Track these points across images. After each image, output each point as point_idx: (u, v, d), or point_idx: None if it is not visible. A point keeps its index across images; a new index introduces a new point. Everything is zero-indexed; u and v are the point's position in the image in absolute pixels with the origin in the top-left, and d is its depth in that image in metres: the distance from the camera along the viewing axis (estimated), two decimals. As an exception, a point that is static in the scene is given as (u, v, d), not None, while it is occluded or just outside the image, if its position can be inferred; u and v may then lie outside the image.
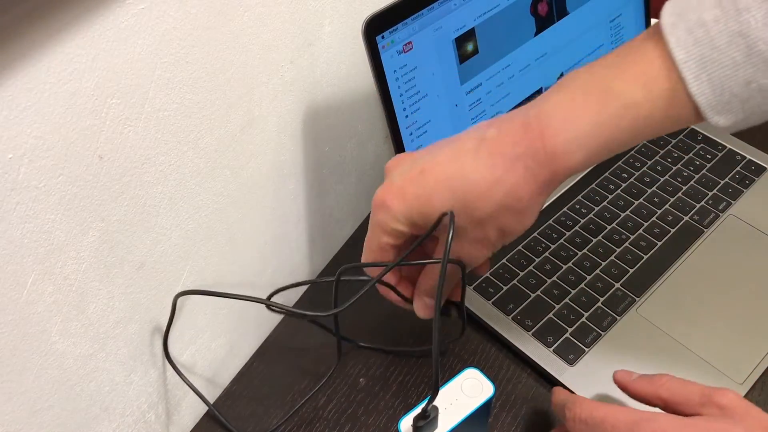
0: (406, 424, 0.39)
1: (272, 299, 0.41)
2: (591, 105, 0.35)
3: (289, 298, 0.59)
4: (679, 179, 0.64)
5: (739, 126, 0.34)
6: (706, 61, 0.32)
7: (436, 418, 0.39)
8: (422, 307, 0.43)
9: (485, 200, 0.36)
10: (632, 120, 0.35)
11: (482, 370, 0.41)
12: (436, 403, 0.38)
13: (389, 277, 0.43)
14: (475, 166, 0.36)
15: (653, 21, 0.65)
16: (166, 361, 0.47)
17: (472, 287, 0.56)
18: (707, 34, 0.32)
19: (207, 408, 0.53)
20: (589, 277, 0.57)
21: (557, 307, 0.55)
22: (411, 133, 0.50)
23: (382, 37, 0.46)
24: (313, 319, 0.44)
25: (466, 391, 0.40)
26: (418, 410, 0.38)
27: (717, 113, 0.33)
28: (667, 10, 0.34)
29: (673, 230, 0.60)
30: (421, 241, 0.38)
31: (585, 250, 0.59)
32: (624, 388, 0.43)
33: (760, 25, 0.30)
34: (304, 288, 0.60)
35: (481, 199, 0.36)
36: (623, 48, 0.36)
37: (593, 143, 0.35)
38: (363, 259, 0.43)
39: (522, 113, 0.37)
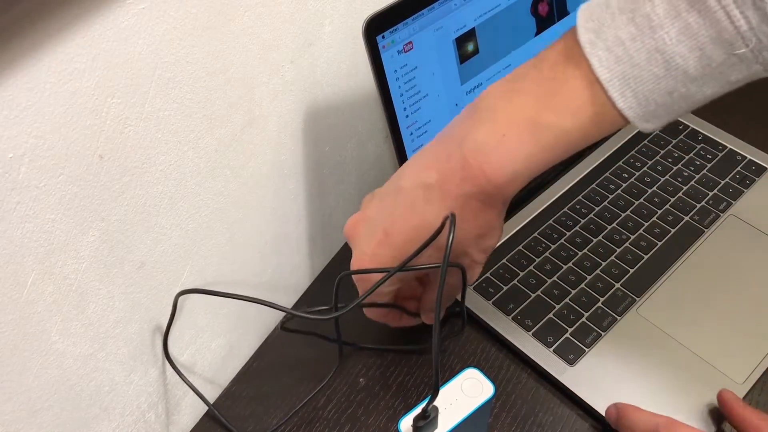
0: (406, 424, 0.39)
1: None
2: (524, 139, 0.35)
3: (289, 300, 0.59)
4: (679, 179, 0.64)
5: (666, 124, 0.35)
6: (628, 78, 0.33)
7: (436, 418, 0.39)
8: (430, 318, 0.47)
9: (458, 238, 0.38)
10: (566, 144, 0.36)
11: (482, 371, 0.41)
12: (436, 403, 0.38)
13: (391, 299, 0.46)
14: (434, 212, 0.38)
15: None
16: (166, 361, 0.47)
17: (472, 287, 0.56)
18: (626, 52, 0.32)
19: (207, 408, 0.53)
20: (589, 277, 0.57)
21: (557, 307, 0.55)
22: (411, 133, 0.50)
23: (383, 37, 0.46)
24: (313, 328, 0.45)
25: (466, 391, 0.40)
26: (418, 410, 0.38)
27: (645, 121, 0.34)
28: (581, 24, 0.34)
29: (673, 230, 0.60)
30: (421, 249, 0.39)
31: (585, 250, 0.59)
32: (729, 410, 0.46)
33: (674, 41, 0.31)
34: (303, 289, 0.60)
35: (455, 238, 0.38)
36: (540, 70, 0.36)
37: (534, 168, 0.37)
38: (366, 313, 0.47)
39: (453, 148, 0.37)
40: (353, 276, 0.43)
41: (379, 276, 0.40)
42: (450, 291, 0.46)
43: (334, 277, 0.61)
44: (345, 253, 0.63)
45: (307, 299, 0.60)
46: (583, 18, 0.34)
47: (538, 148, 0.36)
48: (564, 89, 0.34)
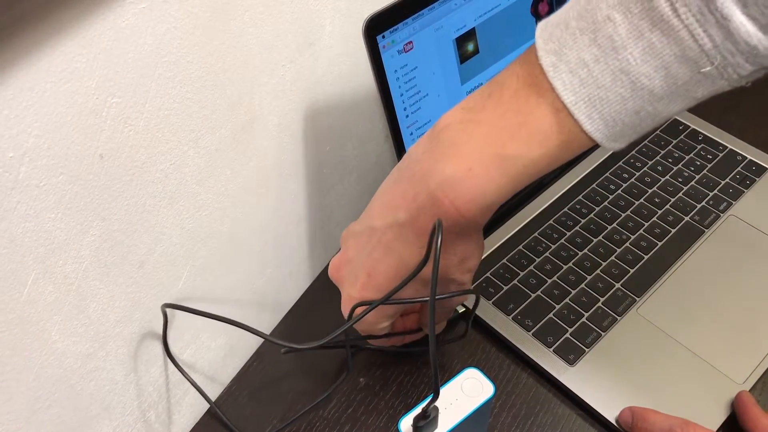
0: (406, 424, 0.39)
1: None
2: (491, 172, 0.35)
3: (289, 298, 0.59)
4: (679, 179, 0.64)
5: (632, 141, 0.35)
6: (594, 100, 0.32)
7: (436, 418, 0.39)
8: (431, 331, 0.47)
9: (441, 268, 0.39)
10: (536, 171, 0.35)
11: (482, 370, 0.41)
12: (436, 402, 0.38)
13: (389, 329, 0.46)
14: (410, 251, 0.38)
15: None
16: (167, 360, 0.47)
17: (472, 287, 0.56)
18: (591, 74, 0.32)
19: (207, 408, 0.53)
20: (589, 277, 0.57)
21: (557, 307, 0.55)
22: (411, 133, 0.50)
23: (383, 37, 0.46)
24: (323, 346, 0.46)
25: (466, 391, 0.40)
26: (418, 410, 0.38)
27: (613, 141, 0.34)
28: (541, 46, 0.33)
29: (673, 230, 0.60)
30: (401, 287, 0.39)
31: (585, 250, 0.59)
32: (744, 410, 0.47)
33: (639, 62, 0.31)
34: (302, 290, 0.60)
35: (440, 271, 0.39)
36: (499, 99, 0.35)
37: (506, 195, 0.36)
38: (371, 342, 0.49)
39: (420, 185, 0.36)
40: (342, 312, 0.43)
41: (374, 316, 0.41)
42: (448, 304, 0.46)
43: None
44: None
45: (307, 299, 0.60)
46: (542, 39, 0.33)
47: (506, 179, 0.35)
48: (529, 119, 0.34)
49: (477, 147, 0.35)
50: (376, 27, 0.45)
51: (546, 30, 0.33)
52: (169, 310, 0.44)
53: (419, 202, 0.36)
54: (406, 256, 0.38)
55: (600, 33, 0.31)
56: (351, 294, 0.41)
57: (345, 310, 0.42)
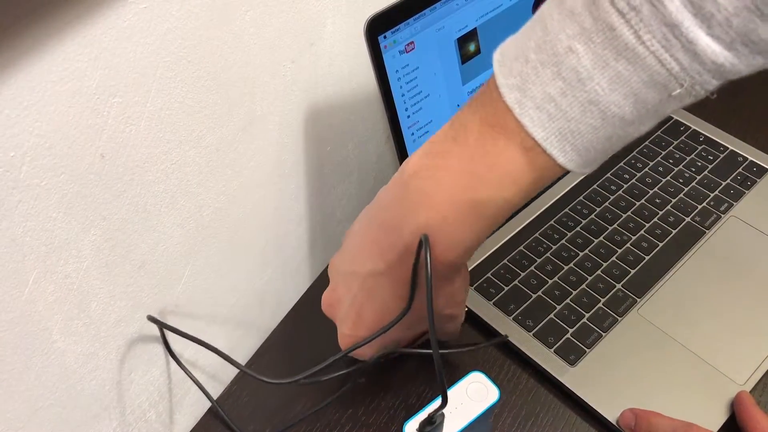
0: (411, 428, 0.39)
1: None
2: (466, 219, 0.34)
3: (290, 298, 0.59)
4: (680, 180, 0.64)
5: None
6: (565, 133, 0.31)
7: (441, 423, 0.39)
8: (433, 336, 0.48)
9: (422, 312, 0.38)
10: (511, 209, 0.35)
11: (487, 374, 0.41)
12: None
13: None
14: (392, 298, 0.38)
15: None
16: (168, 360, 0.47)
17: (473, 287, 0.56)
18: (558, 108, 0.31)
19: (207, 408, 0.53)
20: (590, 278, 0.57)
21: (558, 307, 0.55)
22: (413, 133, 0.50)
23: (384, 37, 0.46)
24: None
25: (472, 395, 0.40)
26: (423, 414, 0.38)
27: (584, 167, 0.33)
28: (503, 82, 0.32)
29: (674, 231, 0.60)
30: (383, 332, 0.40)
31: (586, 251, 0.59)
32: (743, 409, 0.47)
33: (607, 91, 0.30)
34: (302, 290, 0.60)
35: (419, 311, 0.38)
36: (464, 143, 0.34)
37: (483, 237, 0.36)
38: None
39: (394, 237, 0.36)
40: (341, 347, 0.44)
41: (372, 350, 0.42)
42: (446, 330, 0.46)
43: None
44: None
45: (307, 299, 0.60)
46: (501, 75, 0.32)
47: (481, 223, 0.35)
48: (499, 161, 0.33)
49: (448, 195, 0.34)
50: (377, 27, 0.45)
51: (504, 65, 0.32)
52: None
53: (395, 254, 0.36)
54: (389, 302, 0.38)
55: (563, 65, 0.30)
56: (344, 331, 0.42)
57: (342, 346, 0.43)
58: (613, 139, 0.32)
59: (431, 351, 0.36)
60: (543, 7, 0.32)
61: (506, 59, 0.32)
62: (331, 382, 0.51)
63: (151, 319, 0.43)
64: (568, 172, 0.34)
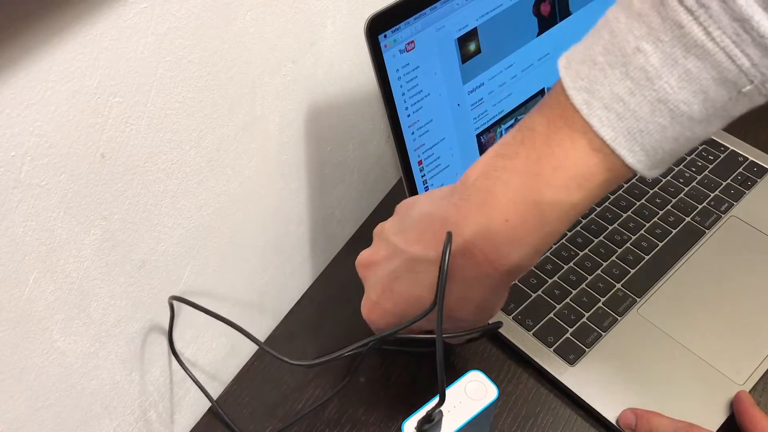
0: (409, 426, 0.39)
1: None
2: (529, 223, 0.34)
3: (290, 297, 0.59)
4: (681, 180, 0.64)
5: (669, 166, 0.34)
6: (634, 133, 0.31)
7: (440, 421, 0.39)
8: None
9: (458, 315, 0.39)
10: (575, 215, 0.34)
11: (486, 373, 0.41)
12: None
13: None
14: (429, 287, 0.37)
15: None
16: (168, 360, 0.47)
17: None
18: (627, 108, 0.31)
19: (207, 407, 0.53)
20: (590, 278, 0.57)
21: (558, 307, 0.55)
22: (413, 133, 0.50)
23: (385, 36, 0.46)
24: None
25: (470, 393, 0.40)
26: (421, 413, 0.38)
27: (652, 169, 0.33)
28: (570, 85, 0.32)
29: (674, 231, 0.60)
30: (411, 324, 0.40)
31: (586, 251, 0.59)
32: (743, 409, 0.47)
33: (676, 89, 0.30)
34: (303, 290, 0.60)
35: (454, 311, 0.38)
36: (531, 145, 0.34)
37: (542, 248, 0.35)
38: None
39: (454, 232, 0.35)
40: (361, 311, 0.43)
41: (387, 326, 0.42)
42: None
43: (336, 277, 0.61)
44: (346, 253, 0.63)
45: (308, 299, 0.60)
46: (569, 78, 0.32)
47: (545, 229, 0.34)
48: (565, 163, 0.33)
49: (512, 196, 0.34)
50: (377, 26, 0.45)
51: (571, 68, 0.32)
52: (175, 304, 0.44)
53: (453, 249, 0.36)
54: (424, 288, 0.38)
55: (631, 65, 0.30)
56: (370, 296, 0.42)
57: (363, 310, 0.43)
58: (681, 139, 0.32)
59: (434, 336, 0.36)
60: (608, 14, 0.32)
61: (572, 63, 0.32)
62: (333, 379, 0.51)
63: (175, 298, 0.44)
64: (633, 176, 0.33)
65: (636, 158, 0.32)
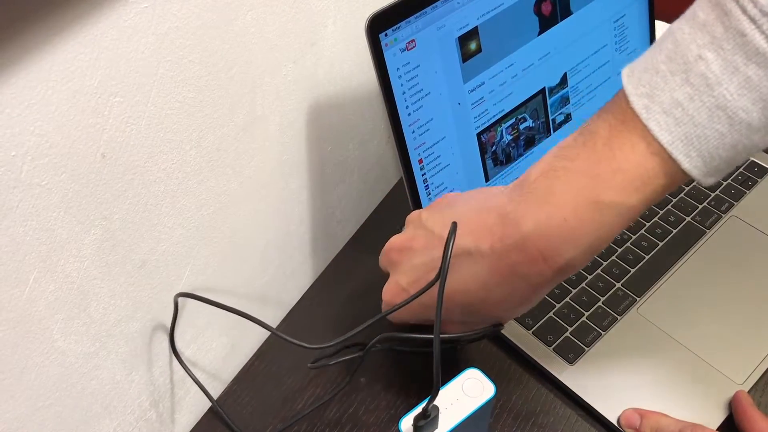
0: (406, 423, 0.39)
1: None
2: (585, 224, 0.35)
3: (291, 297, 0.59)
4: (681, 179, 0.64)
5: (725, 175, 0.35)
6: (691, 138, 0.32)
7: (436, 417, 0.39)
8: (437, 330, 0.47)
9: (493, 312, 0.40)
10: (629, 219, 0.35)
11: (483, 371, 0.41)
12: (437, 402, 0.38)
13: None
14: (477, 283, 0.38)
15: (657, 23, 0.65)
16: (169, 359, 0.47)
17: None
18: (685, 113, 0.32)
19: (207, 407, 0.53)
20: (590, 277, 0.57)
21: (557, 306, 0.55)
22: (413, 131, 0.50)
23: (385, 35, 0.46)
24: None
25: (467, 391, 0.40)
26: (418, 410, 0.38)
27: (708, 176, 0.34)
28: (631, 91, 0.33)
29: (675, 231, 0.60)
30: (414, 298, 0.40)
31: (586, 250, 0.58)
32: (741, 410, 0.47)
33: (735, 96, 0.31)
34: (303, 290, 0.60)
35: (495, 306, 0.39)
36: (592, 147, 0.35)
37: (595, 250, 0.36)
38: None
39: (510, 228, 0.36)
40: (383, 294, 0.44)
41: (407, 315, 0.42)
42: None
43: (336, 276, 0.61)
44: (346, 253, 0.63)
45: (308, 299, 0.60)
46: (631, 85, 0.33)
47: (601, 230, 0.35)
48: (624, 166, 0.33)
49: (572, 196, 0.35)
50: (378, 25, 0.45)
51: (633, 76, 0.33)
52: (180, 302, 0.44)
53: (506, 243, 0.36)
54: (470, 282, 0.38)
55: (692, 72, 0.31)
56: (400, 281, 0.42)
57: (387, 295, 0.43)
58: (739, 147, 0.32)
59: (431, 336, 0.36)
60: (672, 26, 0.33)
61: (635, 72, 0.33)
62: (334, 378, 0.51)
63: (181, 294, 0.44)
64: (691, 182, 0.34)
65: (692, 163, 0.32)
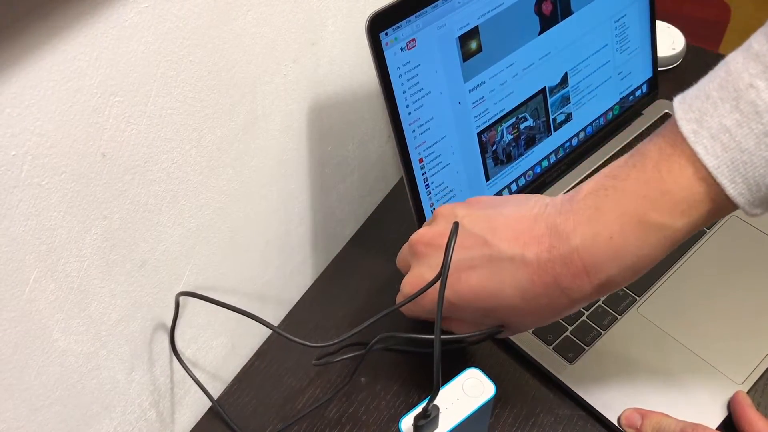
0: (406, 423, 0.39)
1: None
2: (630, 244, 0.35)
3: (291, 297, 0.59)
4: (681, 179, 0.64)
5: None
6: (737, 164, 0.32)
7: (437, 417, 0.39)
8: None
9: (519, 316, 0.40)
10: (672, 243, 0.35)
11: (483, 370, 0.41)
12: (437, 402, 0.38)
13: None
14: (515, 293, 0.38)
15: (657, 23, 0.65)
16: (169, 359, 0.47)
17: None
18: (733, 139, 0.32)
19: (208, 407, 0.53)
20: (590, 277, 0.57)
21: (558, 306, 0.55)
22: (414, 130, 0.50)
23: (386, 34, 0.46)
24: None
25: (468, 390, 0.40)
26: (418, 409, 0.38)
27: (756, 207, 0.34)
28: (681, 116, 0.34)
29: (674, 230, 0.60)
30: (420, 293, 0.40)
31: (586, 250, 0.58)
32: (740, 411, 0.47)
33: None
34: (303, 290, 0.60)
35: (515, 315, 0.40)
36: (642, 169, 0.35)
37: (637, 271, 0.36)
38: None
39: (558, 240, 0.37)
40: (402, 286, 0.43)
41: (421, 310, 0.41)
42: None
43: (336, 276, 0.61)
44: (346, 252, 0.63)
45: (308, 299, 0.60)
46: (681, 110, 0.34)
47: (644, 251, 0.35)
48: (672, 188, 0.34)
49: (619, 214, 0.35)
50: (379, 24, 0.45)
51: (684, 102, 0.34)
52: (181, 300, 0.44)
53: (553, 255, 0.37)
54: (507, 288, 0.38)
55: (742, 99, 0.32)
56: (425, 276, 0.41)
57: (408, 287, 0.42)
58: None
59: (431, 337, 0.37)
60: (727, 57, 0.34)
61: (687, 98, 0.34)
62: (334, 378, 0.51)
63: (183, 293, 0.44)
64: (735, 209, 0.34)
65: (737, 190, 0.33)
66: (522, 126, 0.57)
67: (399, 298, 0.44)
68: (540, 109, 0.58)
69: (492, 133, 0.55)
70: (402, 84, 0.48)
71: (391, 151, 0.64)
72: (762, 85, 0.31)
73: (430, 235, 0.42)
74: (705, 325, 0.53)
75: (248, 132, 0.45)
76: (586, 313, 0.54)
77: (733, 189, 0.33)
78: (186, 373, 0.48)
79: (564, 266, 0.36)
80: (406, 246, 0.45)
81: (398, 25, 0.46)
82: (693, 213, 0.34)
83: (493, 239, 0.39)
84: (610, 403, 0.49)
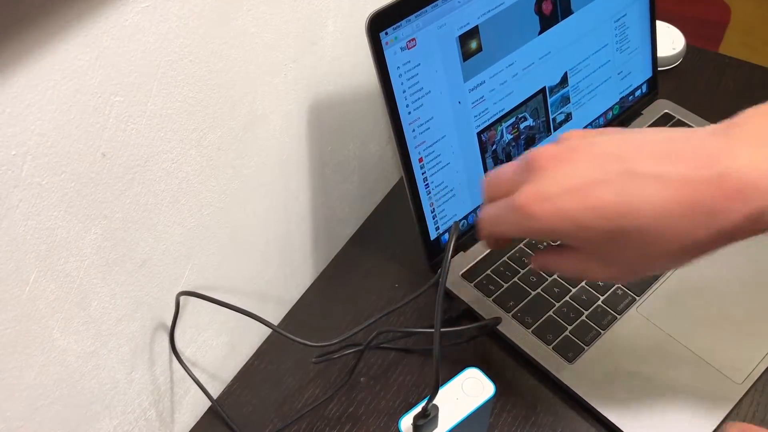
0: (406, 422, 0.39)
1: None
2: None
3: (291, 297, 0.59)
4: (680, 179, 0.64)
5: None
6: None
7: (436, 417, 0.39)
8: (538, 266, 0.43)
9: (648, 247, 0.35)
10: None
11: (483, 370, 0.41)
12: (436, 402, 0.38)
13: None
14: (655, 207, 0.34)
15: (657, 23, 0.65)
16: (169, 359, 0.47)
17: (473, 284, 0.56)
18: None
19: (207, 406, 0.53)
20: (590, 277, 0.57)
21: (557, 305, 0.55)
22: (413, 130, 0.50)
23: (386, 34, 0.46)
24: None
25: (467, 390, 0.40)
26: (418, 409, 0.38)
27: None
28: None
29: (674, 230, 0.60)
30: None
31: (586, 250, 0.59)
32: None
33: None
34: (303, 290, 0.60)
35: (645, 244, 0.35)
36: None
37: None
38: (479, 228, 0.41)
39: (713, 160, 0.33)
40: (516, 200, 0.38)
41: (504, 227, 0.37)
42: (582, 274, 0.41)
43: (336, 275, 0.61)
44: (347, 252, 0.63)
45: (308, 299, 0.60)
46: None
47: None
48: None
49: None
50: (379, 24, 0.45)
51: None
52: (182, 300, 0.44)
53: (702, 174, 0.33)
54: (642, 209, 0.34)
55: None
56: (544, 190, 0.37)
57: (523, 199, 0.37)
58: None
59: (431, 330, 0.36)
60: None
61: None
62: (333, 378, 0.51)
63: (184, 293, 0.44)
64: None
65: None
66: (522, 126, 0.57)
67: (486, 220, 0.39)
68: (540, 109, 0.58)
69: (492, 133, 0.55)
70: (402, 83, 0.48)
71: (392, 151, 0.64)
72: None
73: (554, 151, 0.38)
74: (704, 325, 0.53)
75: (248, 132, 0.45)
76: (586, 312, 0.54)
77: None
78: (186, 373, 0.48)
79: (715, 187, 0.33)
80: (520, 161, 0.39)
81: (398, 24, 0.46)
82: None
83: (631, 154, 0.35)
84: (609, 402, 0.49)
